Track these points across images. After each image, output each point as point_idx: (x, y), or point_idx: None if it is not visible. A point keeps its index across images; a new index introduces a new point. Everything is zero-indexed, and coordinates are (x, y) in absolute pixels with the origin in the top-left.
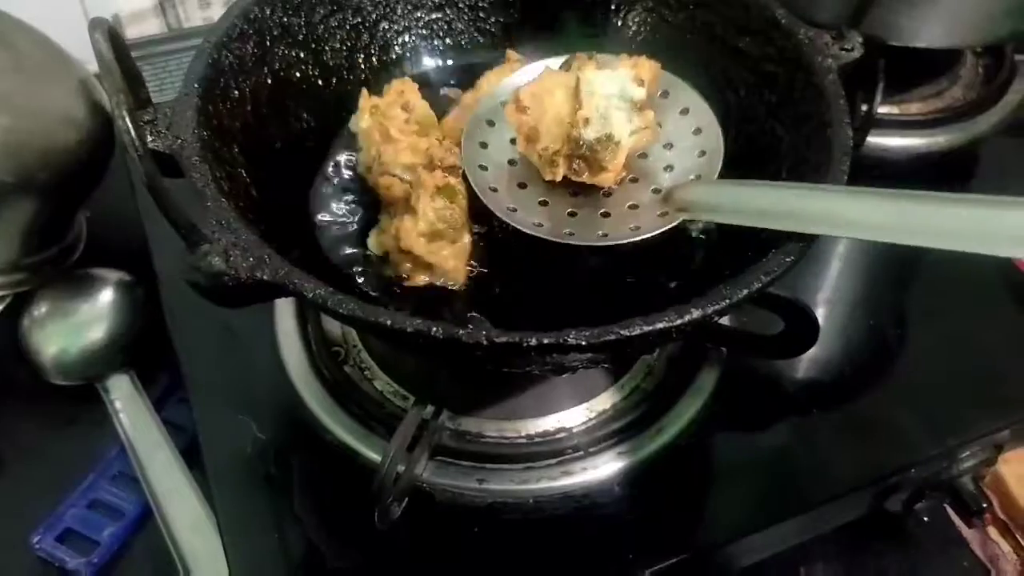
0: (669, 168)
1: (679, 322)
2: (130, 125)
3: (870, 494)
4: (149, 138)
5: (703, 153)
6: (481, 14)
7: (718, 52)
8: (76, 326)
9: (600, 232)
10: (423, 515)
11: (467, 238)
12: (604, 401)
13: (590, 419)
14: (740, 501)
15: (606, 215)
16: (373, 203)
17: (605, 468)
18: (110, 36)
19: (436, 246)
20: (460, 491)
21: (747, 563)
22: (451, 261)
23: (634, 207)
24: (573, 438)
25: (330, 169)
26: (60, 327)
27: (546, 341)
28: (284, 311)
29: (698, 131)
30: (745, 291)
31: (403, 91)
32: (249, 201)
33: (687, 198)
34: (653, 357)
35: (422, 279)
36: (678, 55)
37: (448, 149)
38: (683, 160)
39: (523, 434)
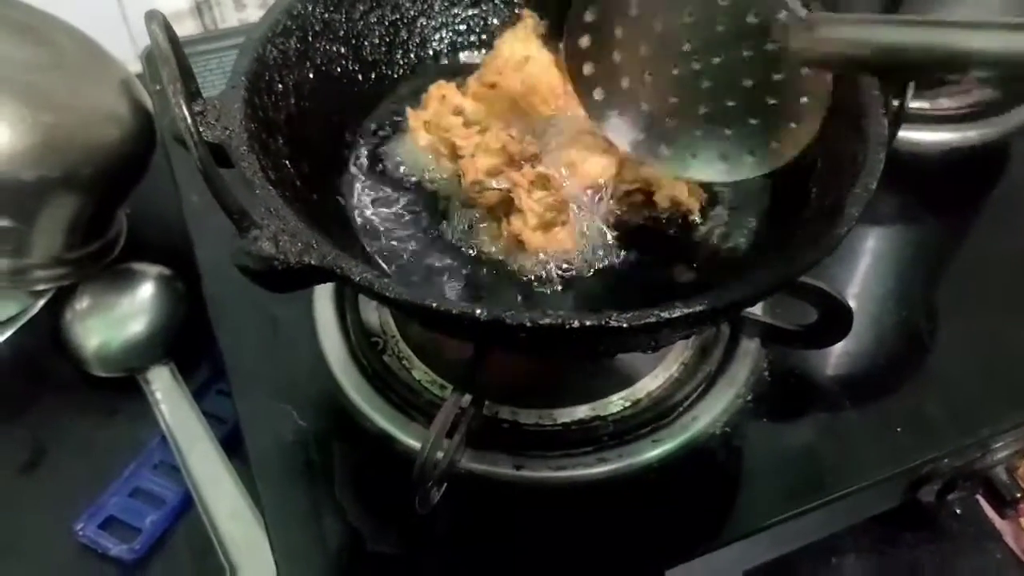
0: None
1: (717, 305)
2: (187, 113)
3: (902, 484)
4: (200, 129)
5: None
6: (516, 10)
7: None
8: (117, 319)
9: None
10: (461, 501)
11: (573, 210)
12: (639, 390)
13: (625, 408)
14: (772, 489)
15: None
16: (412, 196)
17: (640, 456)
18: (165, 28)
19: (551, 234)
20: (497, 477)
21: (780, 553)
22: (567, 240)
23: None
24: (609, 426)
25: (367, 160)
26: (102, 320)
27: (588, 323)
28: (323, 302)
29: None
30: (781, 277)
31: (444, 95)
32: (293, 190)
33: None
34: (687, 347)
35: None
36: None
37: (521, 140)
38: None
39: (559, 422)
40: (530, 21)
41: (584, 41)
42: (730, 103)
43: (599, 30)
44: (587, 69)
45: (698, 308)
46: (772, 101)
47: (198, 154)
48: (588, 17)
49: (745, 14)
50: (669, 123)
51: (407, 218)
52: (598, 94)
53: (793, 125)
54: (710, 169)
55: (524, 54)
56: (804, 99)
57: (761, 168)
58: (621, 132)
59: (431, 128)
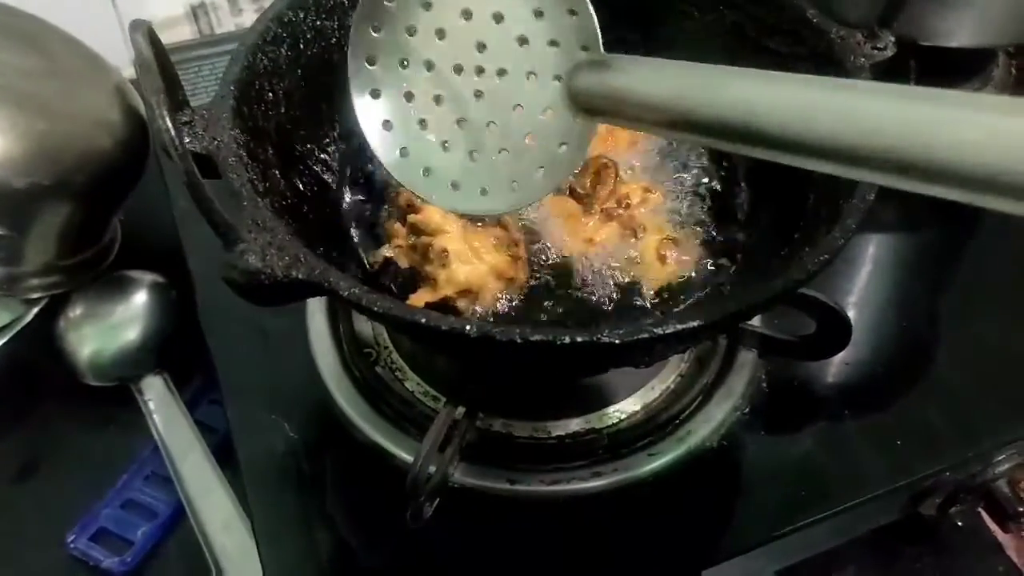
0: (553, 44)
1: (712, 320)
2: (169, 125)
3: (903, 497)
4: (186, 139)
5: (573, 12)
6: None
7: (748, 51)
8: (111, 327)
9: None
10: (454, 515)
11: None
12: (635, 403)
13: (621, 420)
14: (771, 503)
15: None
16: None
17: (636, 470)
18: (150, 38)
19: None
20: (491, 491)
21: (780, 567)
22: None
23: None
24: (604, 440)
25: (358, 170)
26: (95, 328)
27: (579, 340)
28: (316, 313)
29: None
30: (778, 290)
31: (415, 223)
32: (282, 201)
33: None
34: (683, 359)
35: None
36: (706, 54)
37: (507, 240)
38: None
39: (553, 435)
40: None
41: (372, 32)
42: (494, 125)
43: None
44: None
45: (693, 324)
46: (528, 141)
47: (183, 167)
48: (372, 33)
49: (553, 37)
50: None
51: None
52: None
53: (540, 169)
54: (475, 203)
55: None
56: (563, 147)
57: (527, 199)
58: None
59: (412, 254)
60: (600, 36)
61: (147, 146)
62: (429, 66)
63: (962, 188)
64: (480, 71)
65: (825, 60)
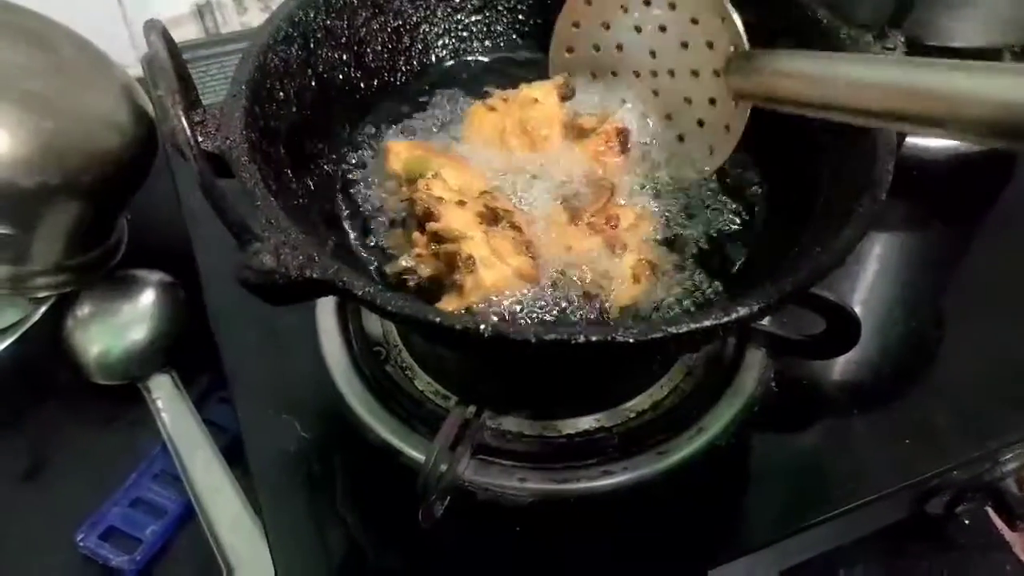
0: (709, 45)
1: (725, 320)
2: (185, 125)
3: (910, 496)
4: (199, 138)
5: (722, 18)
6: (520, 16)
7: None
8: (119, 326)
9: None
10: (465, 514)
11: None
12: (644, 401)
13: (630, 419)
14: (779, 502)
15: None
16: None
17: (645, 468)
18: (164, 38)
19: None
20: (502, 490)
21: (787, 565)
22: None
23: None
24: (613, 438)
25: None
26: (103, 328)
27: (594, 339)
28: (325, 312)
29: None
30: (789, 290)
31: (436, 231)
32: (295, 201)
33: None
34: (692, 358)
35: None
36: None
37: (522, 241)
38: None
39: (563, 434)
40: (560, 80)
41: (572, 28)
42: (668, 117)
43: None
44: (567, 55)
45: (706, 323)
46: (703, 121)
47: (197, 167)
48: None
49: (707, 40)
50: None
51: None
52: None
53: (709, 149)
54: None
55: (535, 97)
56: (727, 127)
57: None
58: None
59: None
60: (743, 34)
61: (154, 145)
62: (615, 74)
63: None
64: (654, 74)
65: None
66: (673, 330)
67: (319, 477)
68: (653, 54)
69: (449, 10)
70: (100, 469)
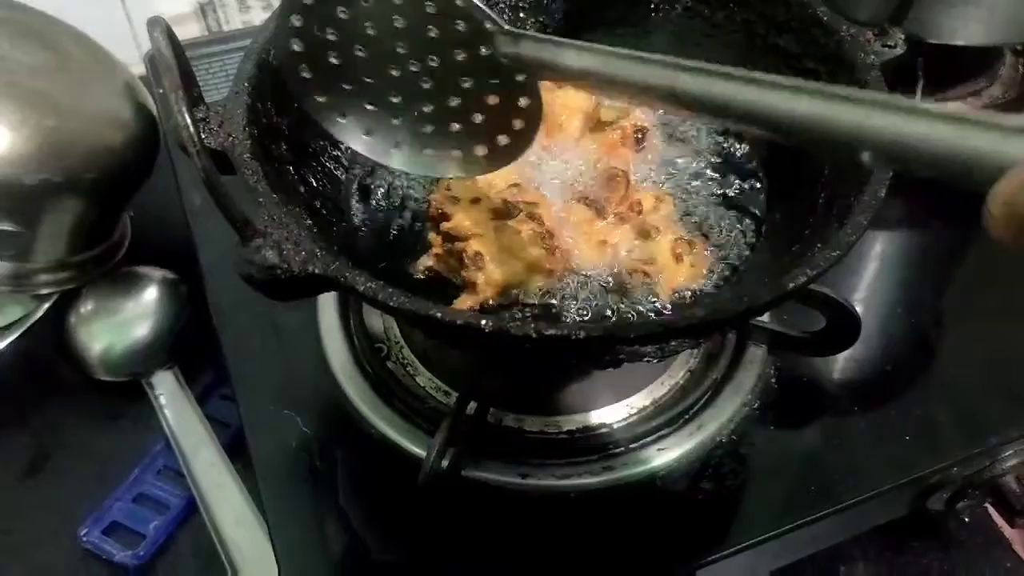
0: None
1: (725, 315)
2: (189, 121)
3: (910, 493)
4: (202, 135)
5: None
6: (521, 14)
7: (758, 50)
8: (121, 323)
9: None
10: (466, 508)
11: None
12: (644, 398)
13: (631, 415)
14: (779, 498)
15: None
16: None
17: (646, 464)
18: (168, 36)
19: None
20: (502, 485)
21: (787, 562)
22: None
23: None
24: (614, 434)
25: (370, 166)
26: (106, 324)
27: (595, 334)
28: (327, 308)
29: None
30: (790, 286)
31: (447, 230)
32: (297, 197)
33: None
34: (693, 355)
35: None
36: (717, 52)
37: (541, 233)
38: None
39: (564, 429)
40: None
41: (296, 45)
42: (453, 102)
43: (310, 34)
44: (304, 73)
45: (704, 318)
46: (493, 100)
47: (200, 163)
48: (295, 22)
49: (453, 22)
50: (395, 122)
51: (409, 224)
52: (319, 97)
53: (518, 123)
54: (445, 166)
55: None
56: (523, 100)
57: (495, 164)
58: (350, 133)
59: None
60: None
61: (157, 142)
62: (367, 85)
63: None
64: (416, 64)
65: (835, 58)
66: (672, 324)
67: (321, 472)
68: (400, 50)
69: None
70: (103, 465)
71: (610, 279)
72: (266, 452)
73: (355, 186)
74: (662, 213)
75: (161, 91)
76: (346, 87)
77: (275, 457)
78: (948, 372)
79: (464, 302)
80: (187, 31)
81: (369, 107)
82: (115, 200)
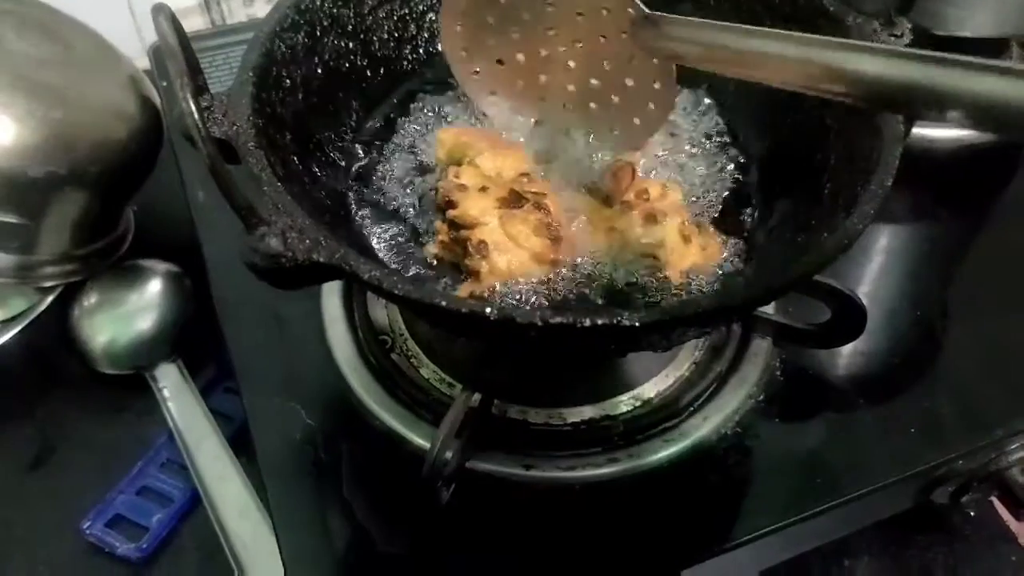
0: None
1: (730, 304)
2: (194, 109)
3: (916, 486)
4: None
5: None
6: None
7: None
8: (125, 316)
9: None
10: (470, 500)
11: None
12: (649, 390)
13: (636, 407)
14: (784, 491)
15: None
16: (418, 194)
17: (651, 456)
18: (172, 23)
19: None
20: (507, 477)
21: (792, 555)
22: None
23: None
24: (619, 426)
25: (374, 155)
26: (109, 317)
27: (600, 323)
28: (331, 299)
29: None
30: (796, 275)
31: (453, 218)
32: (301, 187)
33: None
34: (697, 347)
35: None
36: None
37: (547, 223)
38: None
39: (569, 421)
40: None
41: (458, 27)
42: (594, 82)
43: (472, 16)
44: (463, 51)
45: (710, 307)
46: (630, 82)
47: (206, 151)
48: (461, 4)
49: (600, 7)
50: (541, 100)
51: (413, 215)
52: (475, 73)
53: (650, 106)
54: (578, 143)
55: None
56: (656, 84)
57: (625, 144)
58: (496, 108)
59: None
60: None
61: (161, 136)
62: (519, 64)
63: None
64: (564, 47)
65: None
66: (677, 313)
67: (325, 464)
68: (549, 31)
69: None
70: (107, 457)
71: (616, 272)
72: (270, 444)
73: (361, 173)
74: (669, 200)
75: (165, 83)
76: (500, 65)
77: (279, 449)
78: (954, 365)
79: (466, 289)
80: (191, 24)
81: (520, 83)
82: (119, 193)
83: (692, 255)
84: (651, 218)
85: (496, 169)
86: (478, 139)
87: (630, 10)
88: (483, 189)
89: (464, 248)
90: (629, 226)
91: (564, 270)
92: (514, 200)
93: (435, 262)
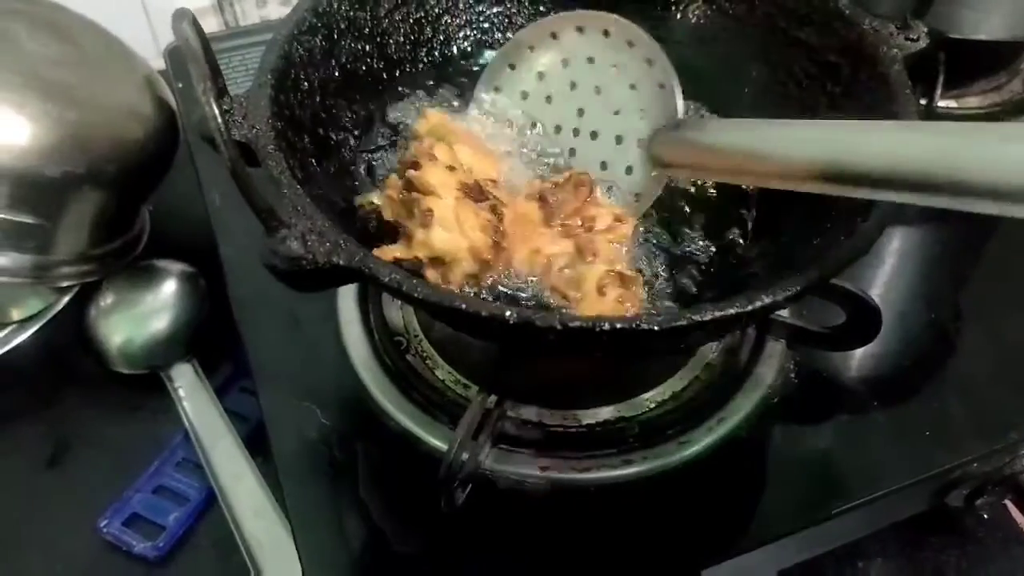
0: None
1: (749, 308)
2: (216, 112)
3: (929, 489)
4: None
5: (662, 86)
6: (541, 8)
7: (779, 43)
8: (141, 316)
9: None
10: (486, 501)
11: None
12: (664, 392)
13: (651, 409)
14: (799, 494)
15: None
16: None
17: (666, 458)
18: (193, 27)
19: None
20: (522, 478)
21: (805, 558)
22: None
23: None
24: (634, 428)
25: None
26: (125, 317)
27: (619, 326)
28: (347, 300)
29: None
30: (811, 280)
31: (412, 178)
32: (320, 189)
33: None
34: (713, 348)
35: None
36: (738, 46)
37: (495, 228)
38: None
39: (584, 423)
40: None
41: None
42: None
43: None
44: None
45: (729, 311)
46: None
47: (227, 154)
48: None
49: (639, 106)
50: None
51: None
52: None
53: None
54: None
55: None
56: (637, 198)
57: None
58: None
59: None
60: (681, 106)
61: (176, 136)
62: (533, 125)
63: None
64: (575, 132)
65: (857, 51)
66: (696, 318)
67: (341, 464)
68: (581, 112)
69: (470, 2)
70: (123, 456)
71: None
72: (286, 445)
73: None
74: (615, 234)
75: (181, 84)
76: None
77: (295, 450)
78: (968, 367)
79: (390, 252)
80: (205, 26)
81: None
82: (135, 193)
83: (602, 307)
84: (580, 252)
85: (469, 164)
86: (462, 133)
87: (665, 120)
88: (451, 168)
89: (409, 210)
90: (556, 255)
91: (492, 276)
92: (476, 192)
93: (367, 209)
